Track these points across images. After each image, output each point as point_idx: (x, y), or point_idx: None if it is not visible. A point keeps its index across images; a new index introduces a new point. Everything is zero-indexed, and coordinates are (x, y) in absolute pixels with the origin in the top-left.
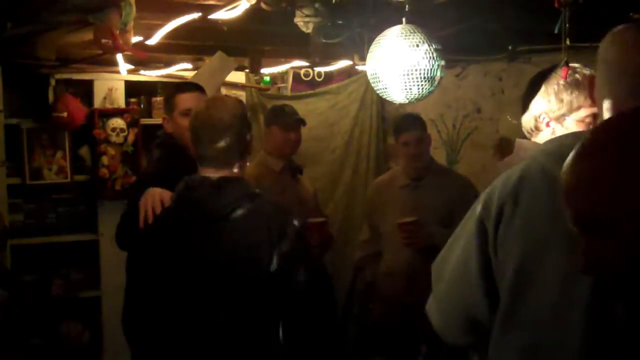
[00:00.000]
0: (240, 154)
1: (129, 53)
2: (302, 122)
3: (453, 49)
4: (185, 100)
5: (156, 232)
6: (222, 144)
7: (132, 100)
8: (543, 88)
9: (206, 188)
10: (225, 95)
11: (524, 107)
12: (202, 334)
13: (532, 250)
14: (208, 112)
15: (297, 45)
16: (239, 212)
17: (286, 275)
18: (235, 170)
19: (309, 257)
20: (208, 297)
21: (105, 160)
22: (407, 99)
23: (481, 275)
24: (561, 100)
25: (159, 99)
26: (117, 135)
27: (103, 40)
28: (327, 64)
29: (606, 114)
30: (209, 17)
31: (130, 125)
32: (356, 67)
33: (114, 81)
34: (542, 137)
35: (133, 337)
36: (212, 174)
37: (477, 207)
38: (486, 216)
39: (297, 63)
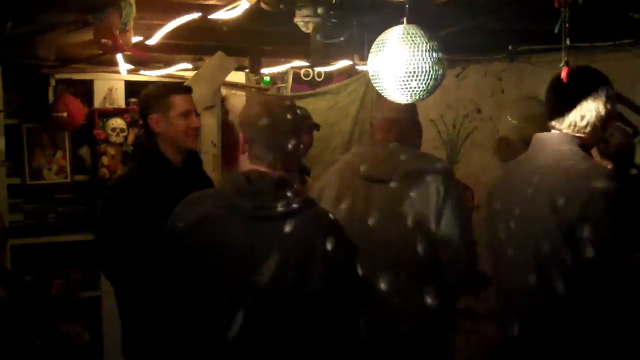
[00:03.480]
0: (294, 157)
1: (129, 53)
2: (315, 126)
3: (453, 49)
4: (183, 101)
5: (210, 221)
6: (281, 148)
7: (132, 100)
8: None
9: (269, 183)
10: (281, 97)
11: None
12: (242, 331)
13: (333, 209)
14: (272, 116)
15: (297, 45)
16: (298, 214)
17: (336, 287)
18: (289, 173)
19: (357, 271)
20: (253, 290)
21: (105, 160)
22: (408, 99)
23: None
24: None
25: None
26: (117, 135)
27: (103, 40)
28: (327, 64)
29: None
30: (209, 17)
31: (130, 125)
32: (356, 67)
33: (114, 81)
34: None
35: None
36: (269, 172)
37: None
38: (317, 192)
39: (297, 63)
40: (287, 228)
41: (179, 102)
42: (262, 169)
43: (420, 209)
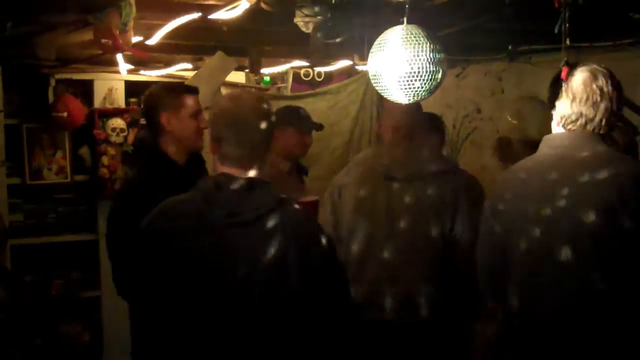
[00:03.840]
0: (266, 154)
1: (129, 53)
2: (317, 126)
3: (453, 49)
4: (194, 102)
5: (180, 231)
6: (250, 143)
7: (132, 100)
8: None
9: (238, 188)
10: (248, 91)
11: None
12: (223, 343)
13: (356, 206)
14: (237, 110)
15: (297, 45)
16: (270, 216)
17: (314, 289)
18: (261, 171)
19: (339, 270)
20: (230, 300)
21: (105, 160)
22: (409, 99)
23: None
24: None
25: None
26: (117, 135)
27: (103, 40)
28: (327, 64)
29: None
30: (209, 17)
31: (130, 125)
32: (356, 67)
33: (114, 81)
34: None
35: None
36: (239, 174)
37: (329, 190)
38: (333, 193)
39: (297, 63)
40: (259, 233)
41: (190, 102)
42: (232, 169)
43: (438, 207)
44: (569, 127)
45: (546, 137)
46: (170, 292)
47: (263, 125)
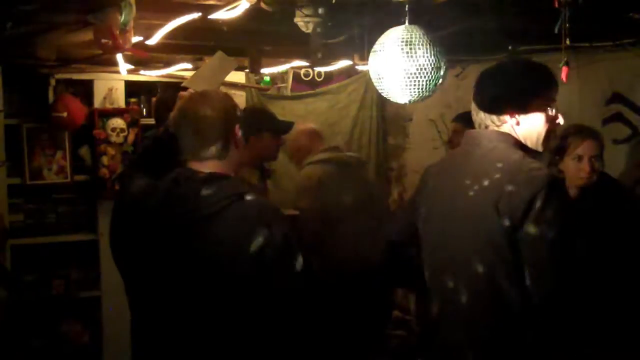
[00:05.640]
0: (228, 148)
1: (129, 53)
2: (289, 126)
3: (453, 49)
4: None
5: (140, 226)
6: (203, 134)
7: (132, 100)
8: None
9: (195, 184)
10: (213, 90)
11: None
12: (183, 334)
13: None
14: (193, 105)
15: (297, 45)
16: (226, 211)
17: (268, 277)
18: (224, 164)
19: (293, 262)
20: (188, 296)
21: (105, 160)
22: (409, 99)
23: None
24: None
25: None
26: (117, 135)
27: (103, 40)
28: (327, 64)
29: None
30: (209, 17)
31: (130, 125)
32: (356, 67)
33: (114, 81)
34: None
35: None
36: (199, 167)
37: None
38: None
39: (297, 63)
40: (213, 228)
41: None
42: (193, 163)
43: None
44: (477, 126)
45: (465, 133)
46: (134, 281)
47: (216, 116)
